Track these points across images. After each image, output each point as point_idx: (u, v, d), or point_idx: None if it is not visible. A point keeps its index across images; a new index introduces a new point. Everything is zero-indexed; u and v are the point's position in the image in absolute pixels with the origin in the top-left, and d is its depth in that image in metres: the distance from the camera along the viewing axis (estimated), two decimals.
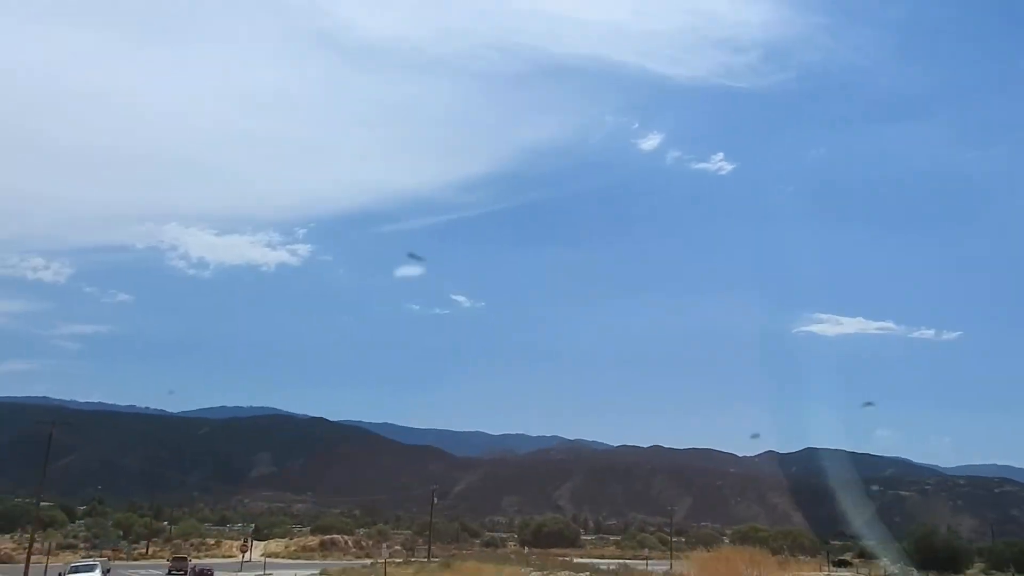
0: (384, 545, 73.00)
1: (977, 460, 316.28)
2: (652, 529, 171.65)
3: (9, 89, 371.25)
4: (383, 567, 55.25)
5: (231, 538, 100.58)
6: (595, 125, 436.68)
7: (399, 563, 62.77)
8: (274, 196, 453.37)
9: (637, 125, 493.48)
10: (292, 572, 56.59)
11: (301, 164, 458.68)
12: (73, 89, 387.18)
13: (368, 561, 75.38)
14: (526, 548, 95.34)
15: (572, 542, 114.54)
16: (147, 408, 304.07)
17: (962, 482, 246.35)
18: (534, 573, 37.32)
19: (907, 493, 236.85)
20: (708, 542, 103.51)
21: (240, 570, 65.67)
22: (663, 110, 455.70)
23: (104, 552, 75.25)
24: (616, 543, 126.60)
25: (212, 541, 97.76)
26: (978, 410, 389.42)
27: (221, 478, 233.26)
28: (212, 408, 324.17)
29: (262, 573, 61.76)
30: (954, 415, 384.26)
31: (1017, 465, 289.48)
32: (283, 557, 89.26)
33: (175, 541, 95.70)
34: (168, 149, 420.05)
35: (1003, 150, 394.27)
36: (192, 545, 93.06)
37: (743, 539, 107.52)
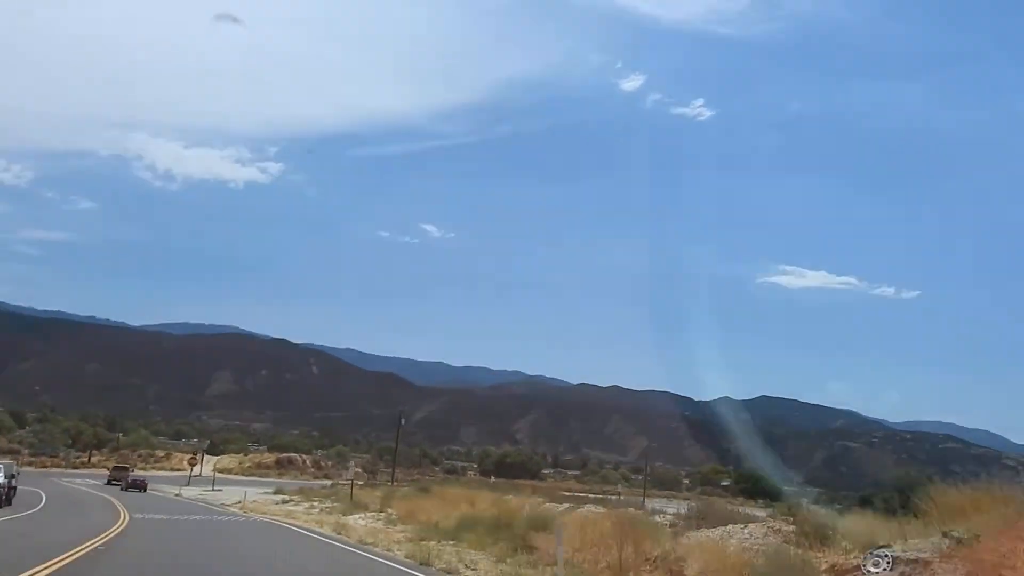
0: (351, 464, 70.99)
1: (923, 417, 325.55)
2: (608, 466, 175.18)
3: None
4: (350, 488, 52.41)
5: (183, 452, 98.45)
6: (578, 62, 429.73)
7: (361, 485, 60.36)
8: (246, 111, 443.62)
9: (620, 64, 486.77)
10: (242, 489, 54.93)
11: (276, 80, 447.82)
12: None
13: (328, 482, 74.13)
14: (491, 478, 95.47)
15: (534, 475, 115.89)
16: (108, 320, 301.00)
17: (908, 436, 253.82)
18: (547, 503, 35.48)
19: (855, 444, 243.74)
20: (668, 483, 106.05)
21: (188, 484, 63.81)
22: (647, 51, 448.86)
23: (44, 459, 74.19)
24: (575, 478, 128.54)
25: (162, 454, 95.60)
26: (928, 369, 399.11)
27: (180, 393, 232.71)
28: (174, 324, 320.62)
29: (210, 488, 59.20)
30: (905, 372, 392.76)
31: (960, 424, 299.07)
32: (236, 473, 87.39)
33: (122, 451, 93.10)
34: (139, 56, 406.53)
35: (980, 114, 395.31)
36: (140, 457, 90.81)
37: (704, 481, 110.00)
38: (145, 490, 56.03)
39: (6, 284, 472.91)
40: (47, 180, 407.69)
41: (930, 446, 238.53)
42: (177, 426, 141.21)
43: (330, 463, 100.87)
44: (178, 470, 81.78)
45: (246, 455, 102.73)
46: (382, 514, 37.38)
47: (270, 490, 58.45)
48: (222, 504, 45.75)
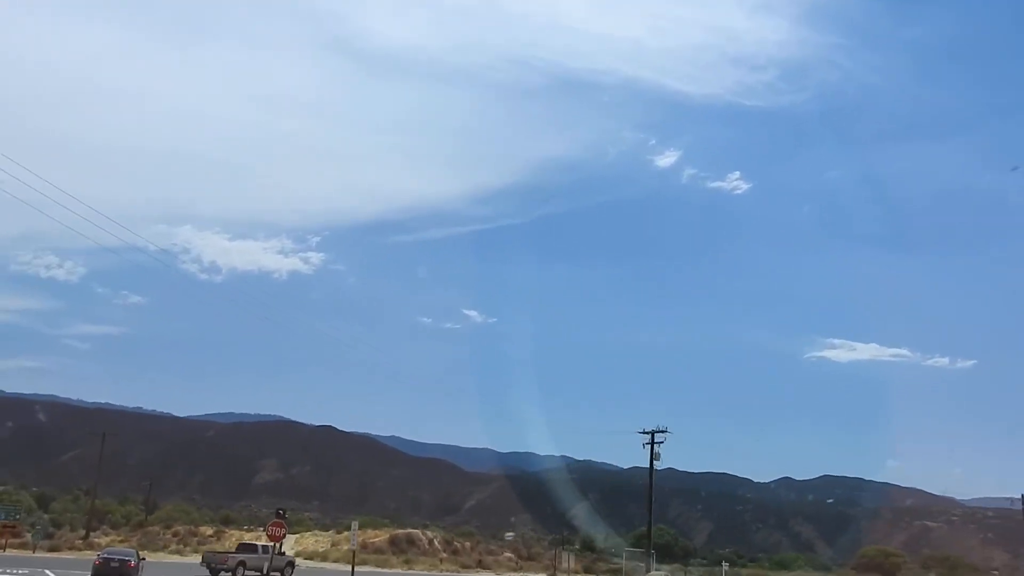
0: (560, 550, 62.30)
1: (991, 492, 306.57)
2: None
3: (32, 85, 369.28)
4: None
5: (238, 528, 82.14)
6: (612, 140, 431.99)
7: None
8: (289, 202, 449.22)
9: (654, 141, 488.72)
10: None
11: (317, 170, 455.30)
12: (95, 87, 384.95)
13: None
14: None
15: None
16: (154, 410, 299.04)
17: (989, 514, 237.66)
18: None
19: (934, 524, 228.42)
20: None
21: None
22: (680, 127, 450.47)
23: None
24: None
25: (210, 531, 76.75)
26: (989, 440, 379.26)
27: (225, 483, 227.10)
28: (219, 414, 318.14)
29: None
30: (966, 445, 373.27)
31: None
32: (333, 560, 70.21)
33: (149, 529, 76.11)
34: (185, 150, 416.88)
35: (1021, 172, 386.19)
36: (176, 535, 72.63)
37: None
38: None
39: (57, 378, 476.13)
40: (98, 275, 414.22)
41: (1016, 524, 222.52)
42: (224, 513, 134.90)
43: (467, 543, 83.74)
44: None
45: (339, 532, 79.41)
46: None
47: None
48: None
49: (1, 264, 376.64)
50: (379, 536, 76.66)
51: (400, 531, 77.17)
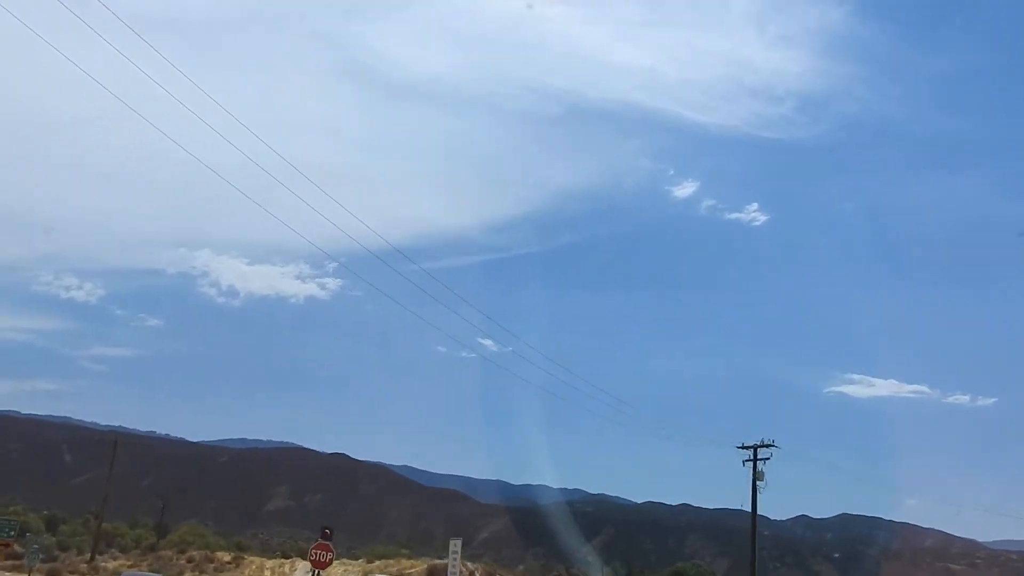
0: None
1: (1014, 535, 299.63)
2: None
3: (52, 107, 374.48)
4: None
5: (257, 554, 77.76)
6: (630, 169, 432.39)
7: None
8: (306, 228, 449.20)
9: (672, 172, 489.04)
10: None
11: (335, 196, 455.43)
12: (116, 110, 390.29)
13: None
14: None
15: None
16: (167, 434, 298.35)
17: (1014, 557, 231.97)
18: None
19: (957, 567, 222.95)
20: None
21: None
22: (697, 158, 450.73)
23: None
24: None
25: (227, 557, 71.61)
26: (1013, 482, 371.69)
27: (236, 510, 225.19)
28: (232, 439, 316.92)
29: None
30: (988, 485, 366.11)
31: None
32: None
33: (162, 553, 72.38)
34: (205, 174, 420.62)
35: None
36: (190, 561, 68.85)
37: None
38: None
39: (73, 399, 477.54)
40: (117, 298, 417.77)
41: None
42: (237, 539, 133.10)
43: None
44: None
45: (369, 562, 73.78)
46: None
47: None
48: None
49: (23, 284, 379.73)
50: (416, 567, 70.60)
51: (439, 561, 70.30)
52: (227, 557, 70.99)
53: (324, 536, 37.45)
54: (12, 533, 57.55)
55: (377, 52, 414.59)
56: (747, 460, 55.75)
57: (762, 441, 55.72)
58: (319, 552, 36.12)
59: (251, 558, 71.41)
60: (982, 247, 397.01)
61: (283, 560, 62.16)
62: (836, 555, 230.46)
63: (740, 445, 56.38)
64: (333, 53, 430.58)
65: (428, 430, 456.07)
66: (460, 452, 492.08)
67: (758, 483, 55.08)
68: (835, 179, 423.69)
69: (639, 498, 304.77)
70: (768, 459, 55.19)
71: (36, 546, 62.24)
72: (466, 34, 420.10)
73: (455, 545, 44.82)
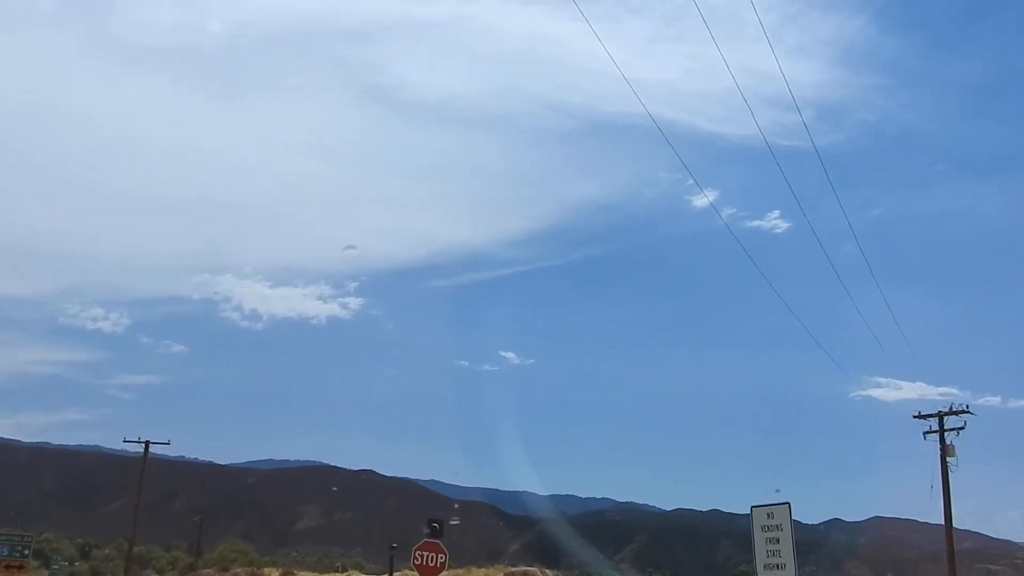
0: None
1: None
2: None
3: (77, 136, 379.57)
4: None
5: (307, 569, 75.78)
6: (648, 181, 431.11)
7: None
8: (326, 248, 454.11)
9: (691, 182, 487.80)
10: None
11: (355, 216, 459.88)
12: (137, 139, 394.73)
13: None
14: None
15: None
16: (196, 459, 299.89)
17: None
18: None
19: (996, 567, 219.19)
20: None
21: None
22: (716, 167, 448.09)
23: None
24: None
25: (276, 573, 70.48)
26: None
27: (266, 530, 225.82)
28: (260, 461, 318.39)
29: None
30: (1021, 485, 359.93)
31: None
32: None
33: (201, 572, 71.70)
34: (225, 199, 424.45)
35: None
36: None
37: None
38: None
39: (101, 428, 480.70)
40: (142, 326, 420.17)
41: None
42: (270, 560, 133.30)
43: None
44: None
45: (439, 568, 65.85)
46: None
47: None
48: None
49: (50, 317, 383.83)
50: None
51: (514, 569, 68.02)
52: (275, 573, 69.19)
53: (432, 531, 26.43)
54: (26, 552, 56.60)
55: (395, 74, 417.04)
56: (928, 432, 44.55)
57: (951, 407, 44.35)
58: (425, 554, 25.61)
59: (303, 573, 69.96)
60: (1006, 253, 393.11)
61: (338, 574, 59.87)
62: (871, 558, 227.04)
63: (916, 414, 45.42)
64: (352, 76, 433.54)
65: (454, 443, 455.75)
66: (487, 463, 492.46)
67: (948, 460, 43.63)
68: (857, 186, 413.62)
69: (668, 505, 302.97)
70: (962, 429, 43.82)
71: (55, 567, 61.61)
72: (482, 53, 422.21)
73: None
